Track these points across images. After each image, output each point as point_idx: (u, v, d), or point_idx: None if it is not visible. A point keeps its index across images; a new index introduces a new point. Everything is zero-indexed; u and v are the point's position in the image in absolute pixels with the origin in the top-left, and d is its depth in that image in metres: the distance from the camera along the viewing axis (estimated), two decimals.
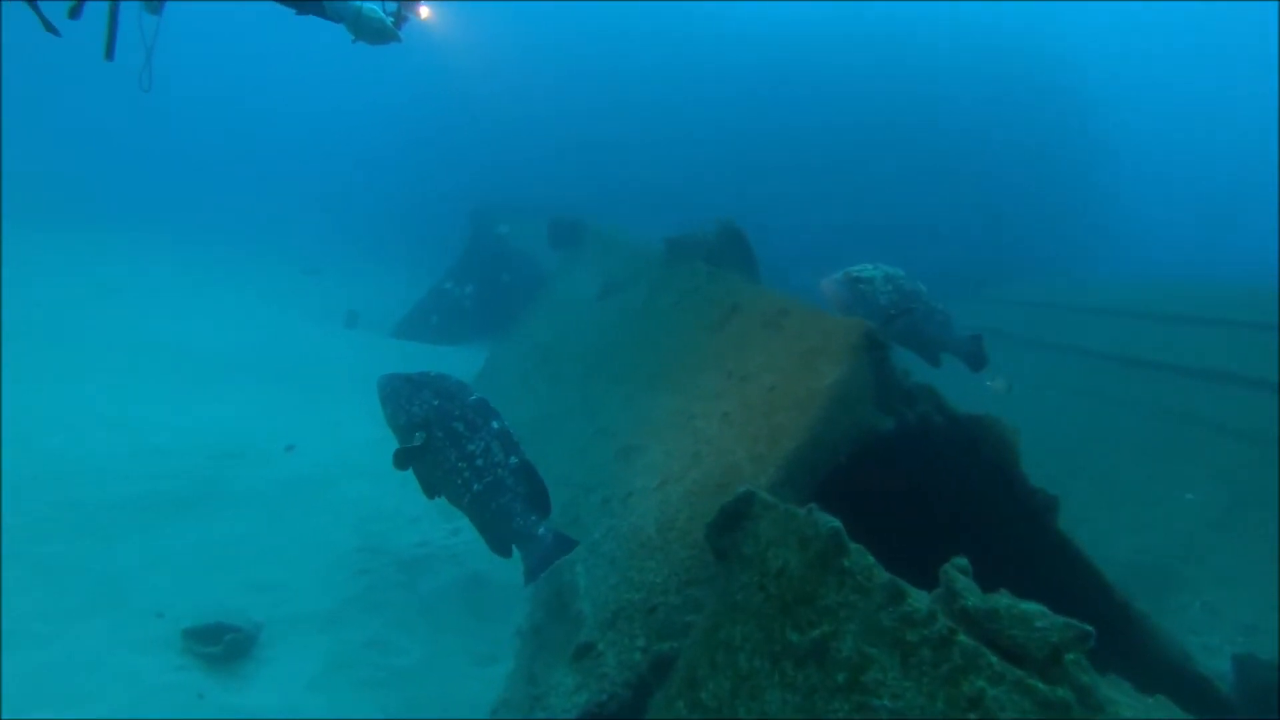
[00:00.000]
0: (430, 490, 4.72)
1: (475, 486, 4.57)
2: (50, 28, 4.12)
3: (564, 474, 6.14)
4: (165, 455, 6.58)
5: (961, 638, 1.82)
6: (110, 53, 4.21)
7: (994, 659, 1.73)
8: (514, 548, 4.79)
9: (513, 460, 4.65)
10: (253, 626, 4.26)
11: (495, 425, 4.61)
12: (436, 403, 4.50)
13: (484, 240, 14.67)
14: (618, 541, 4.73)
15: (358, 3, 4.52)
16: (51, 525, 5.06)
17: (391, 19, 4.67)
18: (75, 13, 4.19)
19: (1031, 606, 1.84)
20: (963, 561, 2.13)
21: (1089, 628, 1.84)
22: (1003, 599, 1.87)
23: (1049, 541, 4.28)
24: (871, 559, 2.27)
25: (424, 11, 4.86)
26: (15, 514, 5.11)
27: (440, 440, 4.47)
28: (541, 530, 4.76)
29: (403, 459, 4.61)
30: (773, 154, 17.76)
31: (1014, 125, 18.01)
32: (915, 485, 4.68)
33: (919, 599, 2.08)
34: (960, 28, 20.29)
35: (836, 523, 2.31)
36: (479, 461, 4.55)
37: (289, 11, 4.49)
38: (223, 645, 4.02)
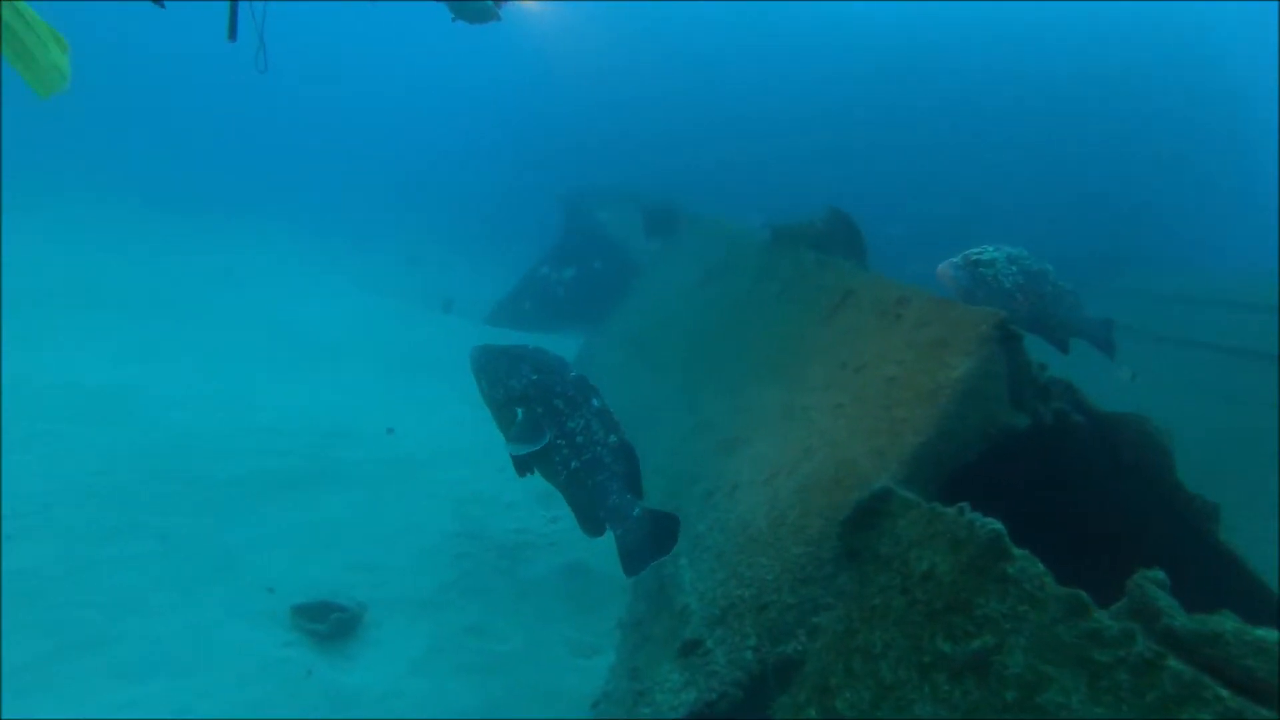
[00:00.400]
0: (523, 467, 4.59)
1: (573, 464, 4.47)
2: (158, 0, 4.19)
3: (662, 465, 5.99)
4: (275, 434, 6.74)
5: (1173, 663, 1.56)
6: (232, 33, 4.26)
7: (1223, 692, 1.48)
8: (606, 527, 4.68)
9: (612, 439, 4.54)
10: (357, 606, 4.26)
11: (595, 403, 4.50)
12: (536, 377, 4.39)
13: (579, 226, 14.64)
14: (724, 535, 4.55)
15: None
16: (175, 499, 5.22)
17: None
18: None
19: (1268, 634, 1.56)
20: (1159, 574, 1.86)
21: None
22: (1228, 621, 1.61)
23: (1208, 554, 3.88)
24: (1041, 566, 2.02)
25: None
26: (141, 486, 5.30)
27: (540, 417, 4.36)
28: (637, 511, 4.63)
29: (523, 459, 4.52)
30: (881, 139, 17.25)
31: (1150, 112, 16.98)
32: (1051, 489, 4.33)
33: (1104, 614, 1.82)
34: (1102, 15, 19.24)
35: (998, 525, 2.07)
36: (579, 439, 4.44)
37: None
38: (329, 623, 4.03)
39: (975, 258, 5.09)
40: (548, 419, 4.38)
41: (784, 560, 4.00)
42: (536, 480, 6.81)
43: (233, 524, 5.02)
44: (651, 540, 4.65)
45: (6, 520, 4.59)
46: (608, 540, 5.79)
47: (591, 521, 4.67)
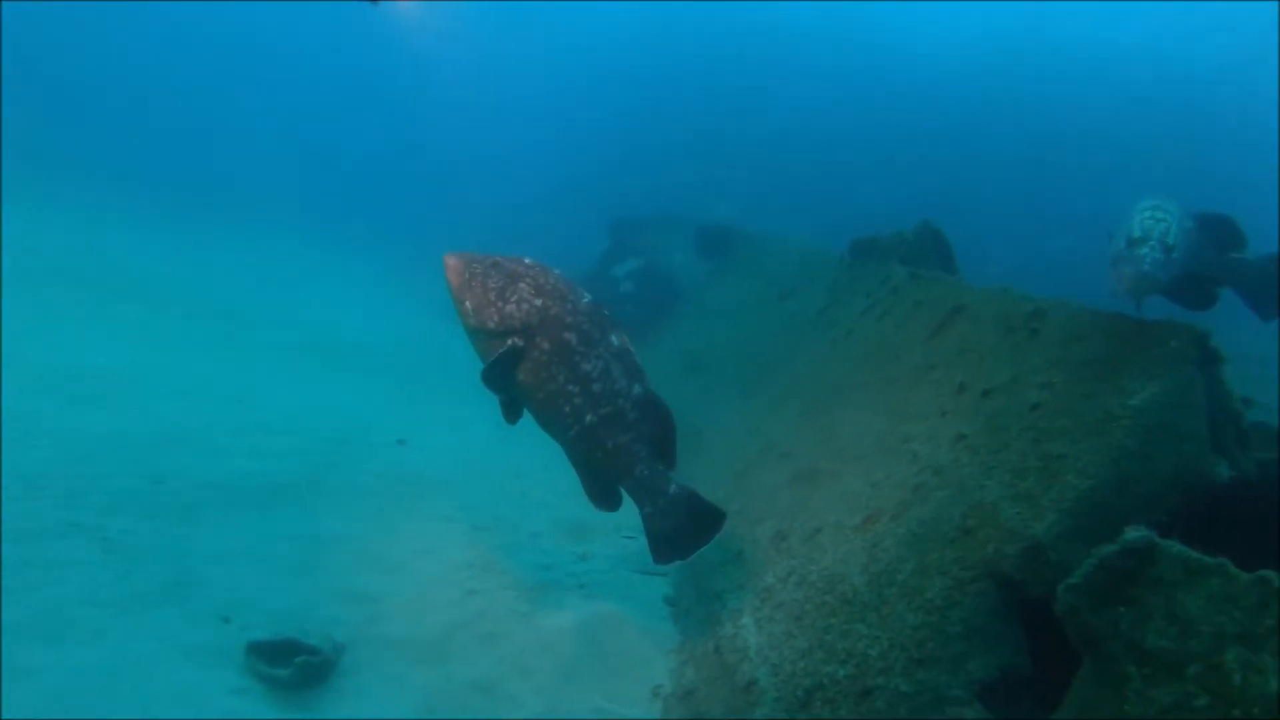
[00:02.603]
0: (513, 413, 3.58)
1: (588, 417, 3.45)
2: None
3: (718, 498, 5.04)
4: (272, 434, 5.90)
5: None
6: None
7: None
8: (621, 502, 3.72)
9: (636, 390, 3.51)
10: (333, 649, 3.33)
11: (615, 340, 3.46)
12: (539, 302, 3.36)
13: (625, 247, 13.76)
14: (805, 591, 3.57)
15: None
16: (134, 499, 4.36)
17: None
18: None
19: None
20: None
21: None
22: None
23: None
24: None
25: None
26: (100, 480, 4.46)
27: (546, 354, 3.37)
28: (673, 488, 3.65)
29: (498, 373, 3.40)
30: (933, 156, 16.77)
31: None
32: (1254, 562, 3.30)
33: None
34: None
35: None
36: (595, 386, 3.41)
37: None
38: (293, 668, 3.10)
39: (1130, 236, 3.86)
40: (557, 357, 3.37)
41: (894, 631, 3.02)
42: (566, 509, 5.93)
43: (198, 533, 4.13)
44: (690, 525, 3.67)
45: None
46: (648, 589, 4.85)
47: (606, 494, 3.68)
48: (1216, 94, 18.52)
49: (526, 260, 3.47)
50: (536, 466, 6.58)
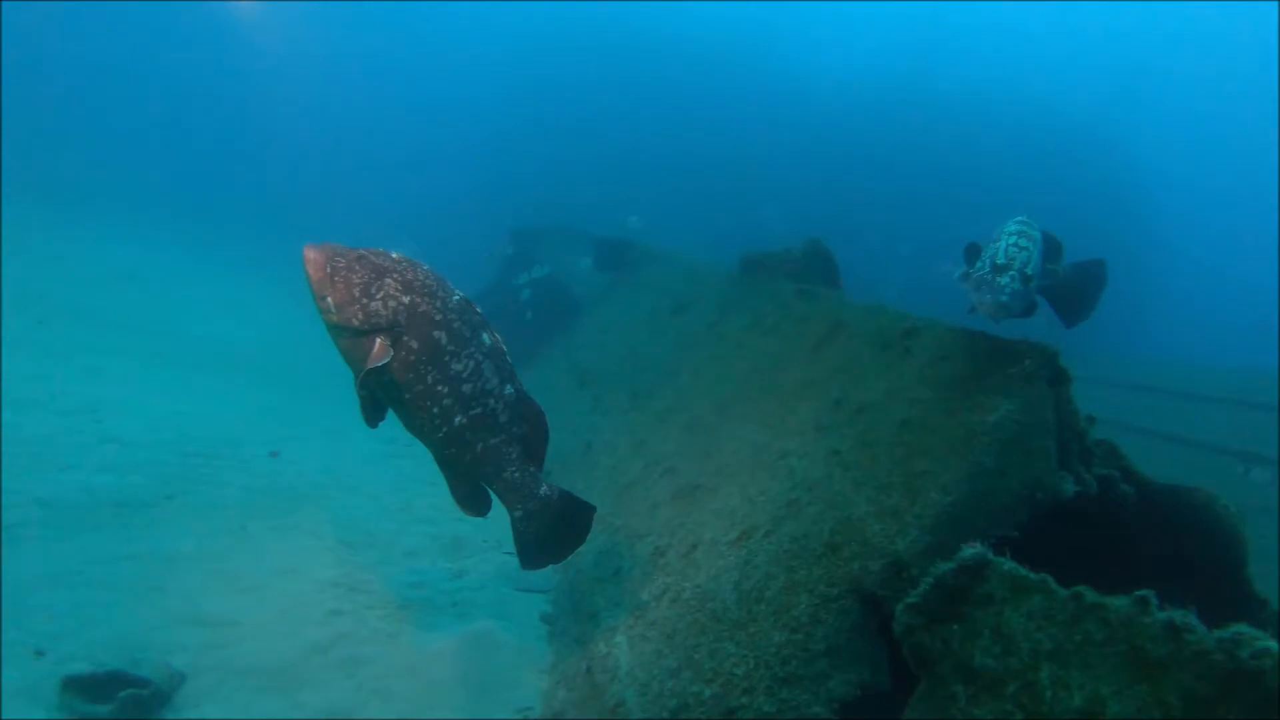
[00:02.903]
0: (375, 412, 3.35)
1: (458, 419, 3.30)
2: None
3: (601, 514, 4.95)
4: (124, 446, 5.46)
5: None
6: None
7: None
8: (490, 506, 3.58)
9: (509, 390, 3.41)
10: (166, 680, 3.05)
11: (487, 339, 3.33)
12: (407, 299, 3.17)
13: (521, 259, 13.58)
14: (678, 609, 3.52)
15: None
16: None
17: None
18: None
19: None
20: None
21: None
22: None
23: None
24: None
25: None
26: None
27: (415, 354, 3.20)
28: (544, 489, 3.53)
29: (375, 381, 3.20)
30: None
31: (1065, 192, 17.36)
32: (1086, 575, 3.44)
33: None
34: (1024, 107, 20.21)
35: (1270, 642, 1.13)
36: (466, 387, 3.27)
37: None
38: (115, 704, 2.82)
39: (993, 263, 3.92)
40: (426, 357, 3.24)
41: (760, 650, 3.00)
42: (447, 526, 5.73)
43: (17, 555, 3.75)
44: (562, 529, 3.57)
45: None
46: (525, 607, 4.71)
47: (474, 497, 3.54)
48: (1085, 133, 19.95)
49: (394, 254, 3.27)
50: (421, 479, 6.34)
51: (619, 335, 7.74)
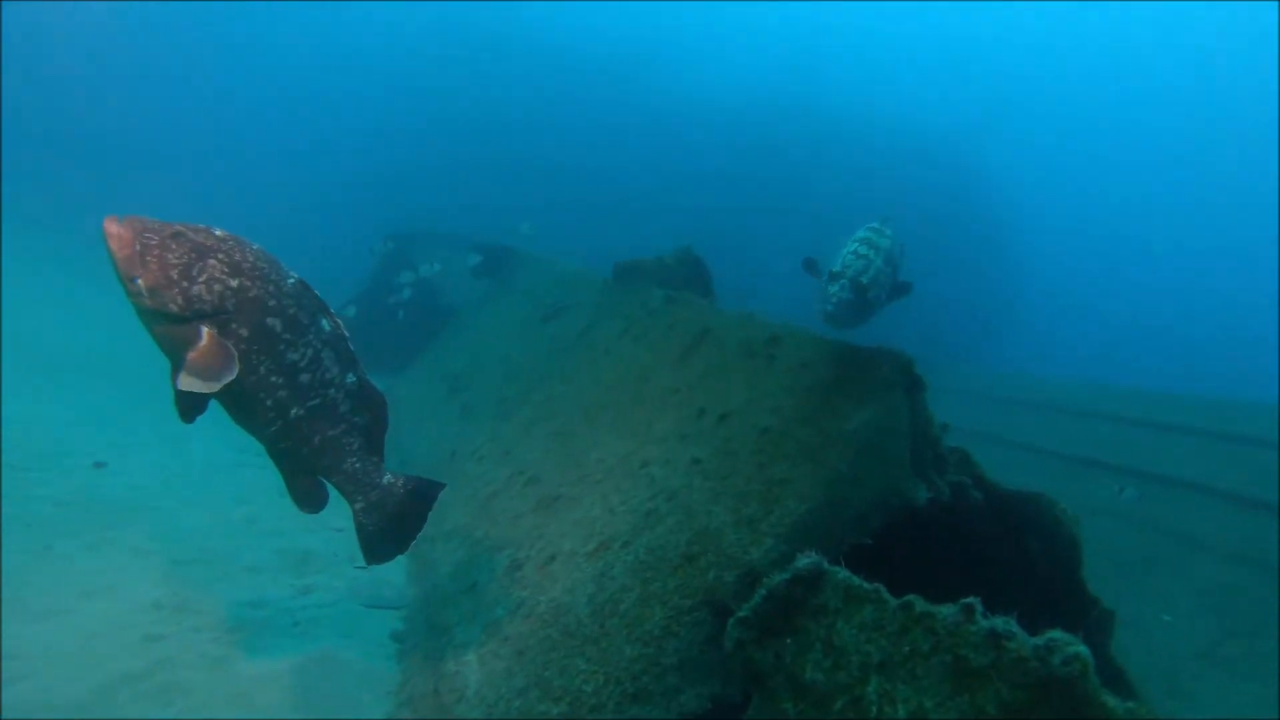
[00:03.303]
0: (191, 407, 2.97)
1: (294, 411, 3.02)
2: None
3: (462, 524, 4.73)
4: None
5: None
6: None
7: None
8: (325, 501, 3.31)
9: (350, 379, 3.15)
10: None
11: (326, 325, 3.05)
12: (235, 283, 2.84)
13: (394, 264, 13.08)
14: (531, 624, 3.35)
15: None
16: None
17: None
18: None
19: None
20: None
21: None
22: None
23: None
24: None
25: None
26: None
27: (245, 343, 2.86)
28: (386, 478, 3.29)
29: (195, 397, 2.83)
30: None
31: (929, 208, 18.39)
32: (929, 586, 3.50)
33: None
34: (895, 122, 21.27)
35: (1083, 650, 1.09)
36: (303, 377, 3.00)
37: None
38: None
39: (858, 279, 4.02)
40: (257, 347, 2.91)
41: (611, 665, 2.87)
42: (296, 539, 5.35)
43: None
44: (407, 512, 3.34)
45: None
46: (375, 625, 4.42)
47: (311, 494, 3.26)
48: (949, 152, 21.19)
49: (218, 231, 2.91)
50: (270, 489, 5.91)
51: (492, 342, 7.52)
